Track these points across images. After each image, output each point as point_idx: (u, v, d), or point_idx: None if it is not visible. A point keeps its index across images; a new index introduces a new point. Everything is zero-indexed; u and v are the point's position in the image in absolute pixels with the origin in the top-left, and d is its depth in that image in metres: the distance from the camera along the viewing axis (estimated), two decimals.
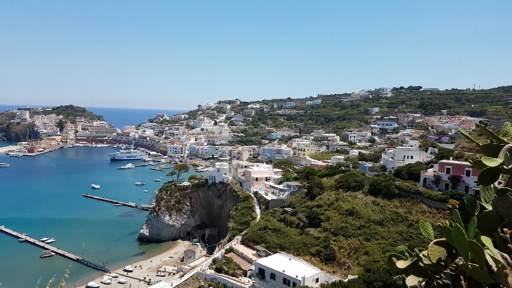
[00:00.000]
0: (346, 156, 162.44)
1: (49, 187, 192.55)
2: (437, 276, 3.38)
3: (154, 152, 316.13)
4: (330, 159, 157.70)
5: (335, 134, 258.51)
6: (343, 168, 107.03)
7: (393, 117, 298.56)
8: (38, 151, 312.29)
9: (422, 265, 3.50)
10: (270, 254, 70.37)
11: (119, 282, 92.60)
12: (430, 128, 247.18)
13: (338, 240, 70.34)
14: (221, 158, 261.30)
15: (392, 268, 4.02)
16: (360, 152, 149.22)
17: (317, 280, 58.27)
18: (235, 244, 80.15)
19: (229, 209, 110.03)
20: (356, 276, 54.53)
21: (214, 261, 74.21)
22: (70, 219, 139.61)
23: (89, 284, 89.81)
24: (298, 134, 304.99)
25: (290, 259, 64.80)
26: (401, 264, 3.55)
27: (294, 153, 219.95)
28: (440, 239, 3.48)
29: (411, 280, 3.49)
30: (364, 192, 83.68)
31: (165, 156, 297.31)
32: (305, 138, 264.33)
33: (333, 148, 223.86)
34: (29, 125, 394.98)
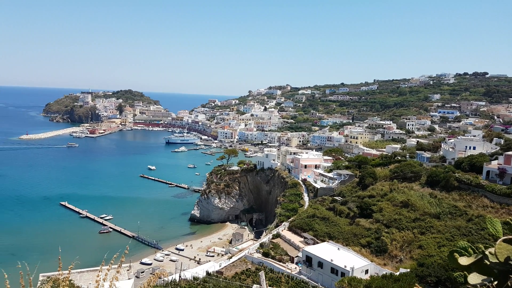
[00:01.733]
0: (403, 145, 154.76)
1: (108, 167, 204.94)
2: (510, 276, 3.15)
3: (206, 137, 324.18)
4: (385, 148, 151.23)
5: (391, 122, 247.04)
6: (399, 158, 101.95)
7: (455, 105, 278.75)
8: (99, 133, 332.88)
9: (488, 263, 3.23)
10: (317, 243, 69.20)
11: (171, 260, 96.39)
12: (496, 117, 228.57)
13: (390, 232, 67.33)
14: (269, 144, 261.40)
15: (452, 264, 3.15)
16: (418, 141, 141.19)
17: (366, 271, 56.36)
18: (282, 230, 79.82)
19: (277, 195, 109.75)
20: (408, 270, 52.03)
21: (261, 245, 74.49)
22: (127, 197, 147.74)
23: (143, 260, 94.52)
24: (350, 121, 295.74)
25: (338, 248, 63.17)
26: (464, 260, 3.31)
27: (346, 141, 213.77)
28: (509, 236, 3.23)
29: (474, 278, 3.28)
30: (421, 183, 79.15)
31: (216, 141, 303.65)
32: (358, 126, 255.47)
33: (389, 137, 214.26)
34: (91, 108, 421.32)
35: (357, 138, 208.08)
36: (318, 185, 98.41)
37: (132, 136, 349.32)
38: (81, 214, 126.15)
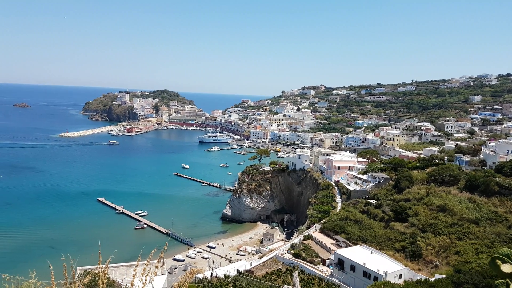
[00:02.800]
0: (441, 148, 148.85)
1: (144, 164, 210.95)
2: None
3: (238, 136, 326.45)
4: (422, 151, 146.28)
5: (429, 124, 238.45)
6: (437, 161, 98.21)
7: (497, 107, 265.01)
8: (135, 131, 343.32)
9: None
10: (350, 246, 67.84)
11: (203, 257, 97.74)
12: None
13: (426, 237, 64.98)
14: (302, 145, 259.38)
15: (493, 271, 3.15)
16: (457, 144, 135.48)
17: (400, 276, 54.63)
18: (313, 232, 78.86)
19: (309, 196, 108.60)
20: (444, 276, 49.92)
21: (293, 246, 73.93)
22: (161, 195, 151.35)
23: (176, 257, 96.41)
24: (387, 122, 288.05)
25: (372, 252, 61.62)
26: (507, 268, 3.25)
27: (382, 143, 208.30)
28: None
29: None
30: (459, 187, 75.99)
31: (248, 141, 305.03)
32: (395, 127, 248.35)
33: (427, 139, 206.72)
34: (128, 107, 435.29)
35: (393, 140, 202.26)
36: (352, 187, 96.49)
37: (167, 135, 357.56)
38: (118, 210, 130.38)
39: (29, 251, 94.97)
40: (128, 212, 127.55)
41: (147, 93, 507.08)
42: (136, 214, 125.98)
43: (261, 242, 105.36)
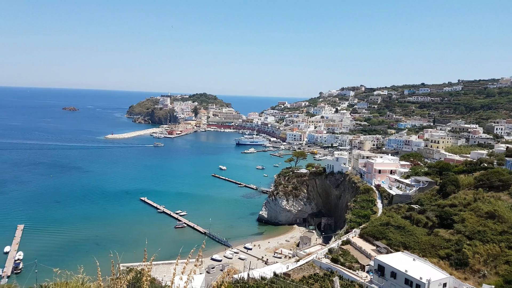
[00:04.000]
0: (490, 151, 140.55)
1: (184, 165, 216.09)
2: None
3: (274, 139, 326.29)
4: (469, 154, 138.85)
5: (477, 126, 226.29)
6: (485, 165, 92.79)
7: None
8: (176, 133, 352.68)
9: None
10: (391, 252, 65.58)
11: (240, 258, 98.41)
12: None
13: (473, 244, 61.51)
14: (340, 147, 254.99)
15: None
16: (507, 147, 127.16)
17: (444, 285, 52.03)
18: (352, 237, 77.00)
19: (347, 200, 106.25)
20: (493, 287, 47.14)
21: (330, 251, 72.60)
22: (200, 195, 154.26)
23: (214, 256, 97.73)
24: (431, 124, 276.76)
25: (414, 259, 59.13)
26: None
27: (426, 145, 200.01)
28: None
29: None
30: (510, 193, 71.37)
31: (284, 143, 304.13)
32: (440, 129, 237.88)
33: (474, 142, 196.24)
34: (169, 110, 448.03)
35: (438, 143, 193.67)
36: (394, 191, 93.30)
37: (206, 137, 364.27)
38: (159, 209, 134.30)
39: (76, 247, 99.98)
40: (168, 211, 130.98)
41: (187, 96, 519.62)
42: (176, 213, 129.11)
43: (297, 245, 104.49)
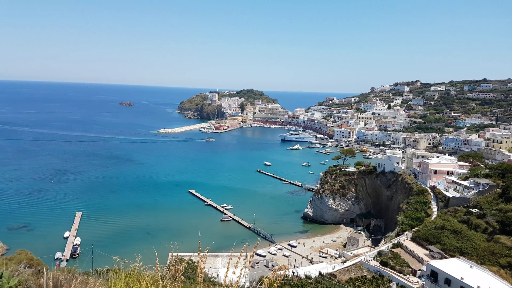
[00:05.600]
0: None
1: (230, 160, 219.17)
2: None
3: (321, 135, 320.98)
4: None
5: None
6: None
7: None
8: (223, 129, 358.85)
9: None
10: (445, 257, 61.86)
11: (284, 255, 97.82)
12: None
13: None
14: (393, 146, 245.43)
15: None
16: None
17: None
18: (404, 240, 73.58)
19: (400, 201, 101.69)
20: None
21: (379, 253, 69.87)
22: (245, 190, 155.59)
23: (258, 251, 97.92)
24: (494, 122, 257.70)
25: (471, 266, 55.14)
26: None
27: (487, 145, 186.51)
28: None
29: None
30: None
31: (332, 140, 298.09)
32: (504, 128, 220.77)
33: None
34: (217, 106, 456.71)
35: (501, 143, 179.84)
36: (450, 194, 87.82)
37: (251, 132, 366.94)
38: (206, 202, 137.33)
39: (129, 235, 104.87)
40: (215, 205, 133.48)
41: (234, 92, 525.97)
42: (222, 207, 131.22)
43: (344, 246, 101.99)
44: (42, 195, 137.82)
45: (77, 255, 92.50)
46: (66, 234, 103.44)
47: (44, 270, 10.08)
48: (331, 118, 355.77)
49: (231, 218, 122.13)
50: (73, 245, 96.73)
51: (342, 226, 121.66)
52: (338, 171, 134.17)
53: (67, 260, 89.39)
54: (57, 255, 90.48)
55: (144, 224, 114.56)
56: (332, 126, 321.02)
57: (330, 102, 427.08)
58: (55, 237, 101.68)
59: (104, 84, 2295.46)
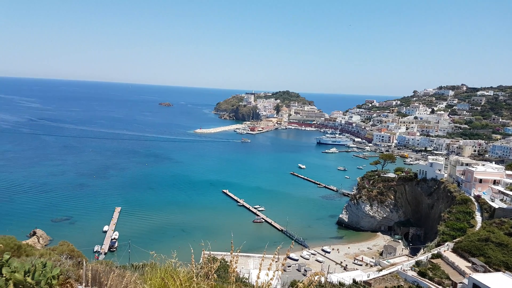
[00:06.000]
0: None
1: (263, 162, 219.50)
2: None
3: (359, 139, 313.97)
4: None
5: None
6: None
7: None
8: (257, 130, 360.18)
9: None
10: (490, 271, 58.47)
11: (317, 260, 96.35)
12: None
13: None
14: (435, 152, 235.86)
15: None
16: None
17: None
18: (444, 251, 70.31)
19: (441, 210, 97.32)
20: None
21: (418, 263, 67.19)
22: (278, 192, 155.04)
23: (290, 255, 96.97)
24: None
25: None
26: None
27: None
28: None
29: None
30: None
31: (370, 144, 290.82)
32: None
33: None
34: (252, 107, 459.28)
35: None
36: (496, 204, 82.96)
37: (286, 134, 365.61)
38: (239, 202, 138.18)
39: (164, 232, 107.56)
40: (247, 206, 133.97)
41: (270, 94, 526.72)
42: (255, 208, 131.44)
43: (380, 254, 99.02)
44: (84, 189, 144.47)
45: (115, 249, 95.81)
46: (105, 228, 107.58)
47: (84, 262, 10.36)
48: (370, 121, 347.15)
49: (263, 220, 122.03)
50: (112, 239, 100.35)
51: (379, 233, 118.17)
52: (377, 176, 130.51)
53: (105, 253, 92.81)
54: (96, 248, 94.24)
55: (179, 221, 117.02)
56: (371, 130, 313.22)
57: (370, 105, 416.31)
58: (95, 230, 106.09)
59: (146, 84, 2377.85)
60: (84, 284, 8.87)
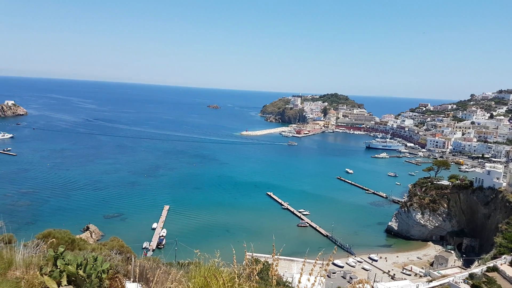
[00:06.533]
0: None
1: (309, 165, 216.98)
2: None
3: (412, 144, 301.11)
4: None
5: None
6: None
7: None
8: (303, 133, 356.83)
9: None
10: None
11: (363, 268, 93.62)
12: None
13: None
14: (493, 159, 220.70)
15: None
16: None
17: None
18: (501, 264, 65.60)
19: (498, 221, 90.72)
20: None
21: (471, 276, 63.16)
22: (323, 196, 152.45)
23: (335, 261, 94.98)
24: None
25: None
26: None
27: None
28: None
29: None
30: None
31: (423, 150, 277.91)
32: None
33: None
34: (299, 110, 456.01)
35: None
36: None
37: (333, 138, 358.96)
38: (283, 205, 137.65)
39: (210, 231, 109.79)
40: (292, 209, 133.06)
41: (317, 96, 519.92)
42: (299, 212, 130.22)
43: (431, 265, 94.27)
44: (135, 187, 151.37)
45: (162, 246, 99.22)
46: (154, 225, 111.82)
47: (133, 258, 10.79)
48: (423, 126, 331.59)
49: (308, 224, 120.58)
50: (160, 236, 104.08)
51: (430, 243, 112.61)
52: (429, 183, 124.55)
53: (153, 250, 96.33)
54: (145, 244, 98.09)
55: (224, 221, 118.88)
56: (425, 135, 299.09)
57: (424, 108, 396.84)
58: (144, 227, 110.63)
59: (196, 87, 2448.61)
60: (132, 279, 9.21)
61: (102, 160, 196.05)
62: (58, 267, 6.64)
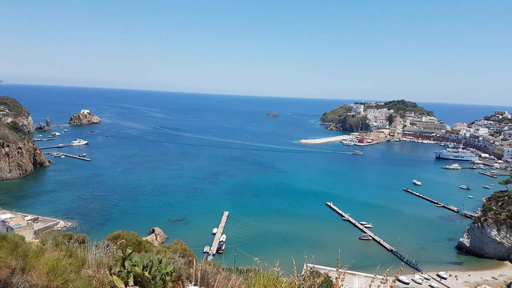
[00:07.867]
0: None
1: (372, 175, 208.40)
2: None
3: (487, 155, 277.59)
4: None
5: None
6: None
7: None
8: (366, 142, 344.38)
9: None
10: None
11: (430, 286, 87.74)
12: None
13: None
14: None
15: None
16: None
17: None
18: None
19: None
20: None
21: None
22: (388, 209, 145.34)
23: (400, 277, 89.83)
24: None
25: None
26: None
27: None
28: None
29: None
30: None
31: (500, 161, 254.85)
32: None
33: None
34: (362, 118, 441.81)
35: None
36: None
37: (399, 147, 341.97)
38: (344, 217, 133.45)
39: (268, 239, 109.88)
40: (353, 221, 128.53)
41: (382, 104, 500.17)
42: (361, 224, 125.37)
43: (508, 286, 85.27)
44: (197, 193, 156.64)
45: (222, 251, 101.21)
46: (214, 230, 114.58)
47: (194, 262, 11.02)
48: (500, 135, 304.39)
49: (371, 238, 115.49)
50: (220, 242, 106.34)
51: (507, 262, 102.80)
52: (507, 198, 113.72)
53: (213, 255, 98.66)
54: (206, 248, 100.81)
55: (281, 230, 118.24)
56: (502, 145, 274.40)
57: (500, 116, 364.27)
58: (205, 232, 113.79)
59: (256, 96, 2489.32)
60: (193, 283, 9.38)
61: (168, 166, 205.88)
62: (126, 267, 6.93)
